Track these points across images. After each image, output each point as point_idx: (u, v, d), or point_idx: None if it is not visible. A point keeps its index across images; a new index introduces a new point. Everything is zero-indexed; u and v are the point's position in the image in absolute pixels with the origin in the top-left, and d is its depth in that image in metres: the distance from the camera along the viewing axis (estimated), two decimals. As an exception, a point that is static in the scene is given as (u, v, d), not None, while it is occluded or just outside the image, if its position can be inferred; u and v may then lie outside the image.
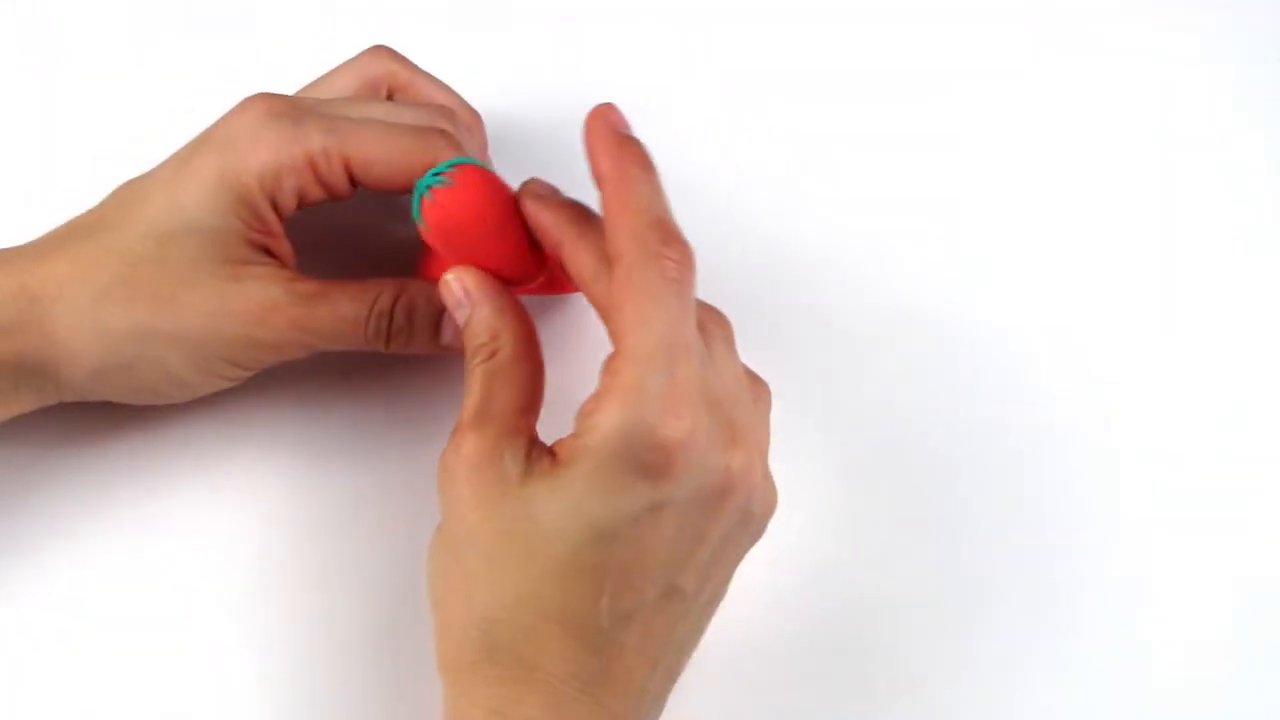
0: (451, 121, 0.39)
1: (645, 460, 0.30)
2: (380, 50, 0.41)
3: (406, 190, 0.36)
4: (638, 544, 0.30)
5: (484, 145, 0.43)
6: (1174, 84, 0.50)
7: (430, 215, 0.34)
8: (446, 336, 0.38)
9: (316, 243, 0.40)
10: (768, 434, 0.36)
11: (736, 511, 0.32)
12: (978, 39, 0.50)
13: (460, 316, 0.35)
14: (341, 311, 0.36)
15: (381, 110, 0.38)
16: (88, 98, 0.47)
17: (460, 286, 0.35)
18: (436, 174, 0.34)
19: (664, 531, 0.31)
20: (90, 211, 0.37)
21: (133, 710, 0.36)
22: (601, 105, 0.34)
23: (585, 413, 0.31)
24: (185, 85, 0.47)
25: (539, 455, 0.32)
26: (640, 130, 0.34)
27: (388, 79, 0.41)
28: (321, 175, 0.36)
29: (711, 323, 0.34)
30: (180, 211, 0.35)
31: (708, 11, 0.50)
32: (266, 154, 0.35)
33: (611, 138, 0.33)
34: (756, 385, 0.35)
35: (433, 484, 0.33)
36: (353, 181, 0.37)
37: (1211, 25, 0.51)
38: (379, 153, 0.36)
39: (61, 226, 0.37)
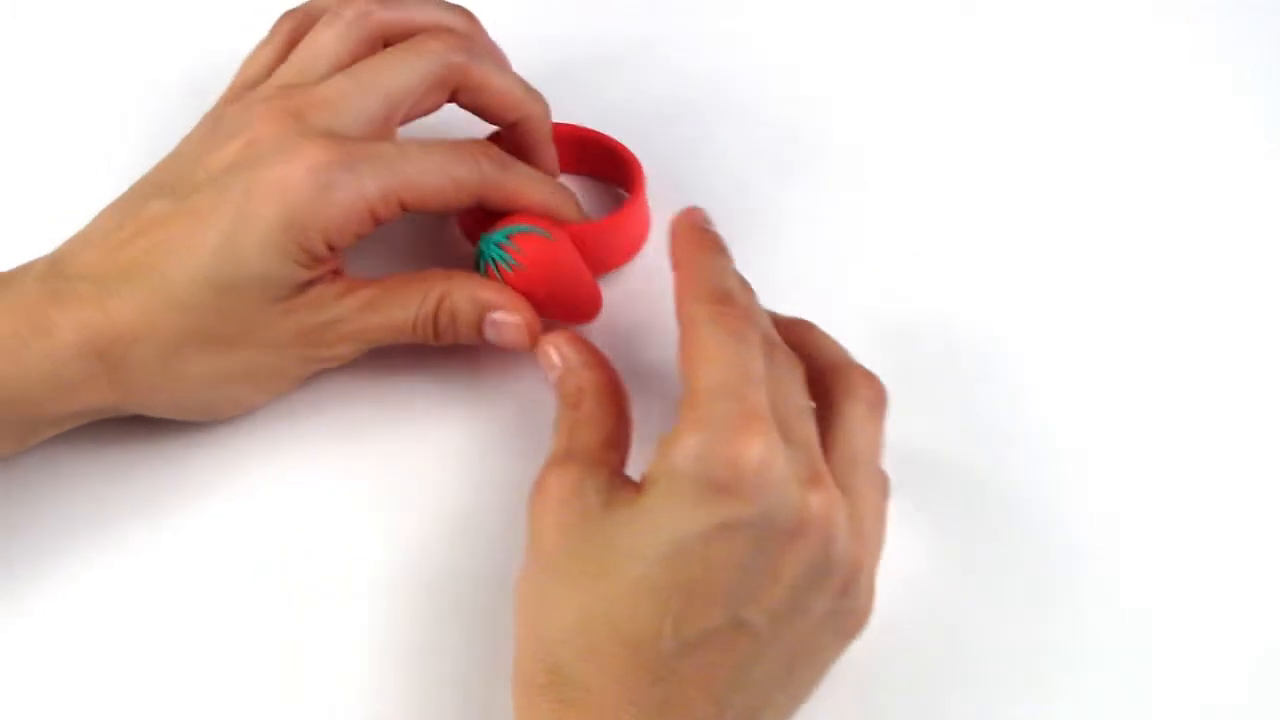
0: (468, 51, 0.39)
1: (716, 475, 0.30)
2: None
3: (451, 212, 0.39)
4: (706, 564, 0.30)
5: (490, 49, 0.42)
6: (1180, 82, 0.50)
7: None
8: (489, 336, 0.39)
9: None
10: (878, 524, 0.35)
11: (812, 551, 0.32)
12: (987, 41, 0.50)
13: (552, 377, 0.37)
14: (392, 320, 0.38)
15: (419, 146, 0.38)
16: (87, 97, 0.46)
17: (555, 352, 0.37)
18: (498, 243, 0.38)
19: (734, 555, 0.31)
20: (131, 242, 0.36)
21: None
22: (688, 208, 0.37)
23: (662, 442, 0.32)
24: (184, 85, 0.46)
25: (622, 485, 0.33)
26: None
27: (380, 30, 0.40)
28: (380, 218, 0.37)
29: (862, 384, 0.35)
30: (242, 264, 0.35)
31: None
32: (332, 211, 0.35)
33: (688, 230, 0.36)
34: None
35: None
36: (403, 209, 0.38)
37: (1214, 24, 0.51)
38: (433, 188, 0.37)
39: (103, 249, 0.36)
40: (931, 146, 0.48)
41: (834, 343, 0.37)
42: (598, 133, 0.45)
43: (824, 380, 0.35)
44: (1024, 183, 0.48)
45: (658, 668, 0.30)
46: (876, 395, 0.35)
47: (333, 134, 0.36)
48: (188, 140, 0.39)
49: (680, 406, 0.32)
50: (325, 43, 0.39)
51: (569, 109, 0.44)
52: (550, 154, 0.43)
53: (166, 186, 0.37)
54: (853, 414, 0.34)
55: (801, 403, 0.34)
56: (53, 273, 0.35)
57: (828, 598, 0.32)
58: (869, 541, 0.34)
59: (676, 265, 0.35)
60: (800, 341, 0.36)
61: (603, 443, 0.35)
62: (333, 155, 0.35)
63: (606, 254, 0.43)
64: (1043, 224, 0.47)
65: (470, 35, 0.41)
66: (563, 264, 0.39)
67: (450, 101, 0.41)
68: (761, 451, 0.30)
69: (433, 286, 0.38)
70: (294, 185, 0.35)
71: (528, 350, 0.38)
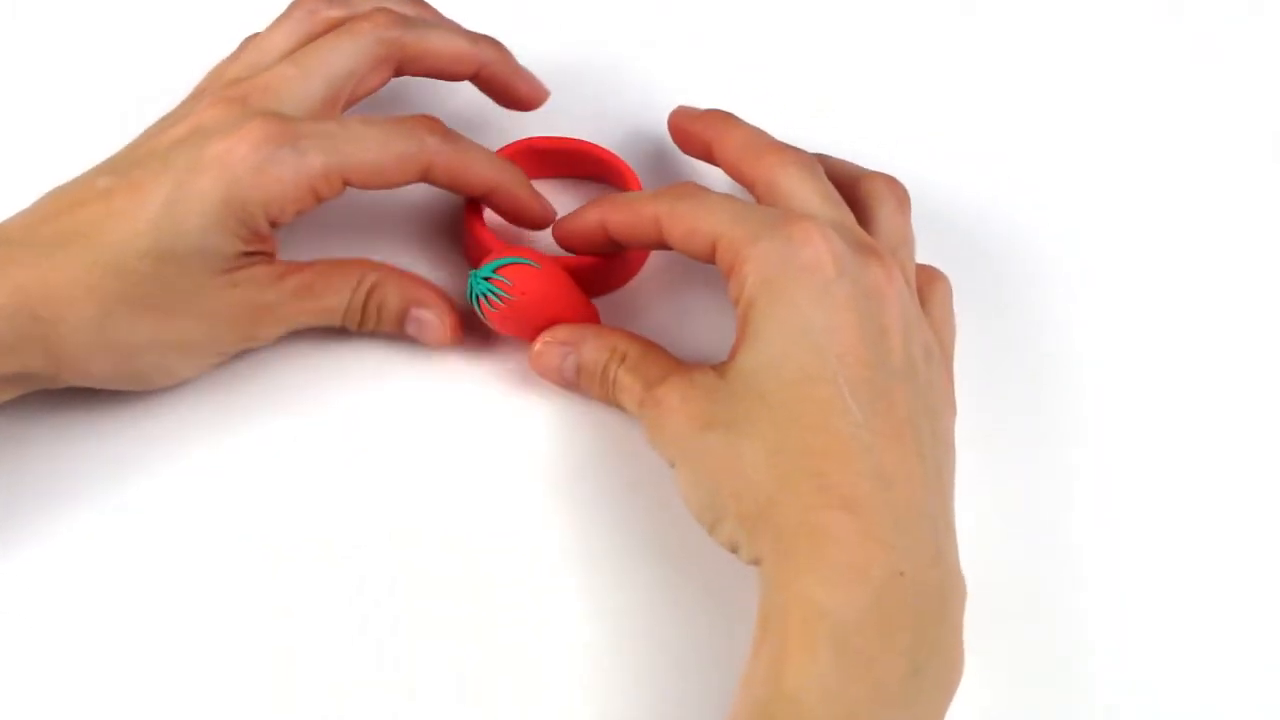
0: (402, 25, 0.40)
1: (796, 259, 0.34)
2: None
3: (396, 187, 0.39)
4: (834, 331, 0.33)
5: (434, 20, 0.43)
6: (1181, 82, 0.50)
7: (492, 319, 0.39)
8: (410, 331, 0.40)
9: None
10: (945, 308, 0.39)
11: (894, 306, 0.34)
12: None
13: (569, 365, 0.39)
14: (324, 306, 0.39)
15: (362, 122, 0.38)
16: (87, 98, 0.48)
17: (556, 345, 0.39)
18: (485, 277, 0.38)
19: (849, 317, 0.33)
20: (70, 211, 0.37)
21: (137, 703, 0.36)
22: (676, 109, 0.42)
23: (740, 271, 0.35)
24: (187, 87, 0.47)
25: (716, 365, 0.35)
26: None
27: (328, 28, 0.41)
28: (321, 195, 0.38)
29: (885, 186, 0.39)
30: (183, 235, 0.36)
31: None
32: (273, 186, 0.36)
33: (690, 118, 0.41)
34: (930, 274, 0.40)
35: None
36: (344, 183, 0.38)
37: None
38: (375, 164, 0.38)
39: (41, 218, 0.37)
40: (929, 147, 0.48)
41: (847, 162, 0.41)
42: (593, 145, 0.45)
43: (849, 192, 0.38)
44: (1023, 184, 0.48)
45: (853, 436, 0.32)
46: (901, 193, 0.39)
47: (277, 114, 0.37)
48: (138, 136, 0.40)
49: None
50: (274, 41, 0.40)
51: (563, 122, 0.45)
52: (524, 84, 0.43)
53: (111, 166, 0.38)
54: (883, 211, 0.38)
55: (837, 196, 0.37)
56: None
57: (922, 359, 0.35)
58: (941, 326, 0.38)
59: (710, 148, 0.40)
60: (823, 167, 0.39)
61: (668, 359, 0.37)
62: (275, 132, 0.36)
63: (602, 280, 0.43)
64: (1042, 224, 0.47)
65: (412, 11, 0.42)
66: (554, 290, 0.39)
67: (399, 75, 0.41)
68: (815, 227, 0.34)
69: (365, 276, 0.40)
70: (236, 160, 0.36)
71: (445, 346, 0.40)
